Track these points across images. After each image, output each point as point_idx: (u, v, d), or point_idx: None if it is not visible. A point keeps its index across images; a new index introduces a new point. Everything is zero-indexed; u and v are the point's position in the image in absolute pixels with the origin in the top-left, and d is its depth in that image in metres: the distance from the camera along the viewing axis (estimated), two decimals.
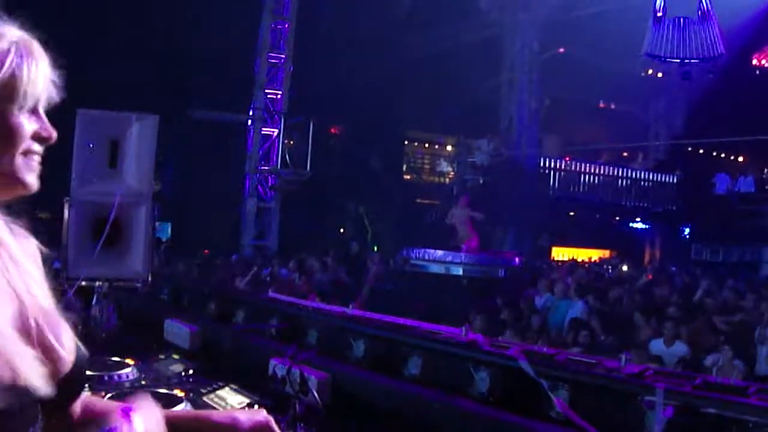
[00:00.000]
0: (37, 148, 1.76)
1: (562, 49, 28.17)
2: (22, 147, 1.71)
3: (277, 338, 4.92)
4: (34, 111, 1.73)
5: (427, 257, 18.53)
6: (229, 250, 21.21)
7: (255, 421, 2.18)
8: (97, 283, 5.67)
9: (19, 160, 1.71)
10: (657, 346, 11.30)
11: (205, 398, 3.97)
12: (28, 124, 1.71)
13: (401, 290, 16.65)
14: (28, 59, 1.69)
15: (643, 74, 28.51)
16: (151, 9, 21.85)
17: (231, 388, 3.91)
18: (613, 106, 33.65)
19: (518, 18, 27.01)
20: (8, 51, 1.66)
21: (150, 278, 5.93)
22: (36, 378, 1.63)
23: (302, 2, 24.42)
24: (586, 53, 25.93)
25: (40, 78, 1.72)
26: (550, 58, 27.63)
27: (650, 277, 20.05)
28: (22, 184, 1.73)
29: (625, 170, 29.31)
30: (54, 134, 1.77)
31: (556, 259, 28.04)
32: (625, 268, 22.14)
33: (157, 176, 5.91)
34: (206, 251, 19.87)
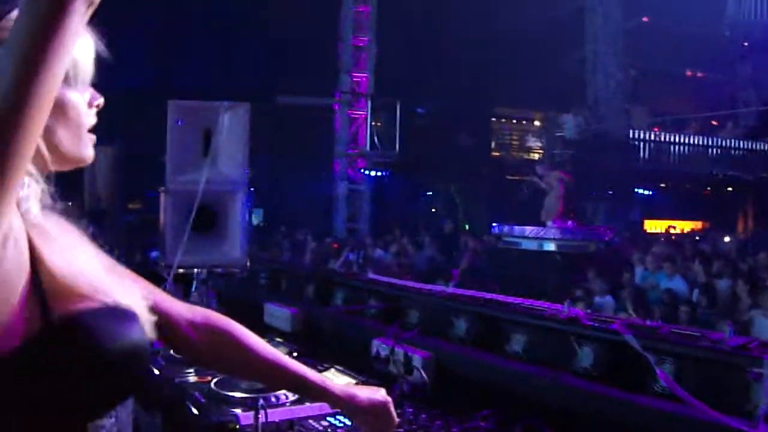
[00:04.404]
0: (93, 119, 1.79)
1: (645, 18, 27.76)
2: (87, 124, 1.76)
3: (378, 319, 4.95)
4: (83, 84, 1.77)
5: (519, 234, 18.45)
6: (322, 234, 21.38)
7: (373, 401, 2.22)
8: (196, 271, 5.76)
9: (85, 137, 1.76)
10: (756, 317, 11.08)
11: None
12: (83, 99, 1.76)
13: (495, 268, 16.60)
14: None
15: (727, 34, 28.03)
16: None
17: (336, 370, 3.94)
18: (699, 74, 33.06)
19: None
20: None
21: (248, 264, 6.01)
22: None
23: None
24: (670, 21, 25.53)
25: (86, 52, 1.75)
26: (634, 28, 27.23)
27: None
28: (84, 159, 1.77)
29: (715, 139, 28.70)
30: (102, 99, 1.81)
31: (648, 231, 27.73)
32: (727, 239, 21.58)
33: (249, 163, 6.00)
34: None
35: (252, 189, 5.94)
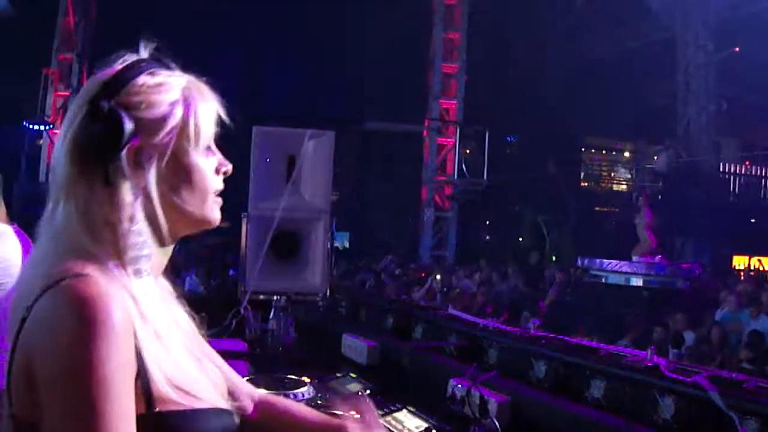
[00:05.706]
0: (220, 184, 1.83)
1: (737, 48, 27.26)
2: (213, 188, 1.79)
3: (456, 357, 4.86)
4: (209, 148, 1.80)
5: (605, 267, 18.19)
6: (407, 260, 21.37)
7: None
8: (275, 297, 5.72)
9: (210, 201, 1.79)
10: None
11: (381, 420, 3.91)
12: (208, 164, 1.78)
13: (581, 301, 16.39)
14: (198, 102, 1.75)
15: None
16: (323, 23, 22.31)
17: (408, 411, 3.84)
18: None
19: (691, 19, 26.20)
20: (179, 100, 1.71)
21: (328, 292, 5.98)
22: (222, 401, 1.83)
23: (473, 11, 24.42)
24: (762, 51, 25.05)
25: (210, 117, 1.78)
26: (725, 59, 26.75)
27: None
28: (210, 222, 1.82)
29: None
30: (230, 167, 1.85)
31: (737, 268, 27.08)
32: None
33: (335, 186, 5.99)
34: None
35: (336, 215, 5.92)
